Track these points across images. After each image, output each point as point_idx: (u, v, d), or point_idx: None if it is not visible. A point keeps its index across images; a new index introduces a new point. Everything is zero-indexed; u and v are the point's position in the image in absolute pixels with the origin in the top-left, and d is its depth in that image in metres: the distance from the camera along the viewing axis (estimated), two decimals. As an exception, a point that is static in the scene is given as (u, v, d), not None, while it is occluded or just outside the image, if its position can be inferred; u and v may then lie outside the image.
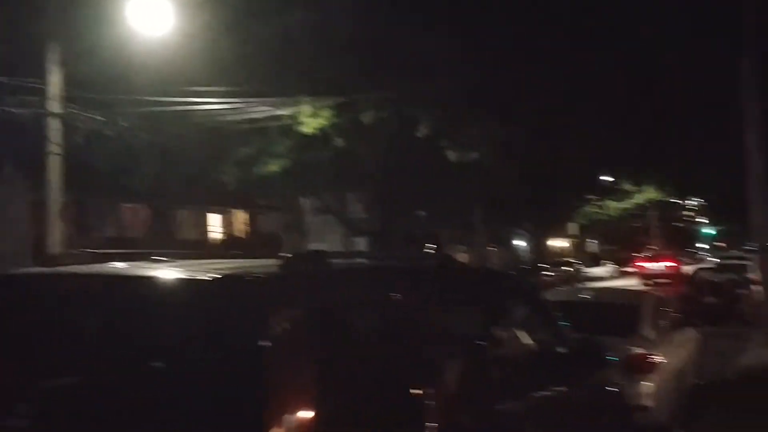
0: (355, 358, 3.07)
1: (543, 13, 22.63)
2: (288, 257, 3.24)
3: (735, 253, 41.48)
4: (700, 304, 18.83)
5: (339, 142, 20.47)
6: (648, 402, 6.76)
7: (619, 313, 7.74)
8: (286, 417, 2.60)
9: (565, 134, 32.15)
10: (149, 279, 3.18)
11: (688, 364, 8.62)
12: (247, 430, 2.60)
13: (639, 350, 6.95)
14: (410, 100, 19.68)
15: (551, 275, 42.80)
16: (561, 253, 58.26)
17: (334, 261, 3.49)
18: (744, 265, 21.55)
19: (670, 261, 34.81)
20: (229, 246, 32.47)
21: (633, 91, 43.70)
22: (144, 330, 2.86)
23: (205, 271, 3.08)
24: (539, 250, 51.55)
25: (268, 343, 2.64)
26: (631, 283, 43.61)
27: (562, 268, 46.56)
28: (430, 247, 42.52)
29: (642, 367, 6.85)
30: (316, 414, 2.68)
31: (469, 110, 20.85)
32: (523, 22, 21.83)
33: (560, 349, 4.57)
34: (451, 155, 21.50)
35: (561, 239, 60.44)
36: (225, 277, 2.99)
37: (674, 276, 32.08)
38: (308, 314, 2.90)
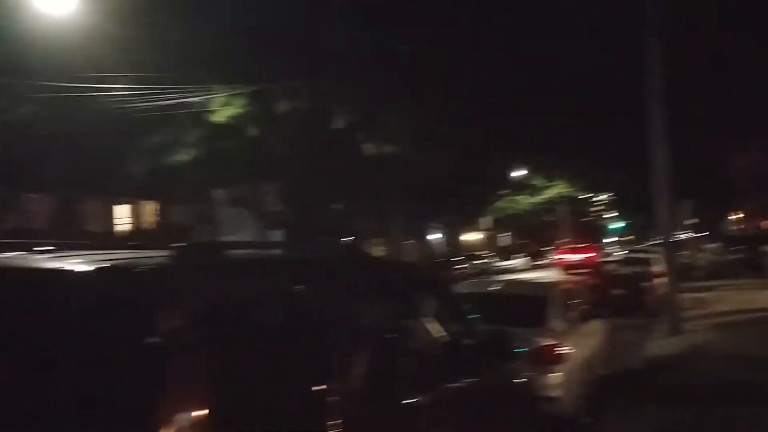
0: (253, 354, 2.88)
1: (456, 8, 22.78)
2: (181, 247, 3.01)
3: (641, 246, 43.17)
4: (608, 295, 19.38)
5: (252, 131, 20.07)
6: (556, 393, 6.81)
7: (528, 304, 7.79)
8: (178, 416, 2.42)
9: (480, 129, 32.62)
10: (18, 270, 2.89)
11: (595, 355, 8.77)
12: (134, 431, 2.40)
13: (547, 341, 7.00)
14: (325, 91, 19.47)
15: (465, 268, 43.50)
16: (475, 246, 59.26)
17: (232, 251, 3.28)
18: (649, 259, 22.31)
19: (590, 253, 35.90)
20: (133, 237, 31.36)
21: (544, 88, 44.78)
22: (12, 325, 2.60)
23: (89, 261, 2.82)
24: (454, 244, 52.23)
25: (155, 339, 2.44)
26: (543, 275, 44.69)
27: (476, 261, 47.39)
28: (345, 240, 42.55)
29: (550, 358, 6.90)
30: (209, 412, 2.50)
31: (386, 104, 20.82)
32: (438, 17, 21.92)
33: (468, 341, 4.49)
34: (368, 148, 21.45)
35: (475, 233, 61.45)
36: (108, 268, 2.73)
37: (593, 267, 32.95)
38: (201, 307, 2.69)
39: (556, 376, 6.86)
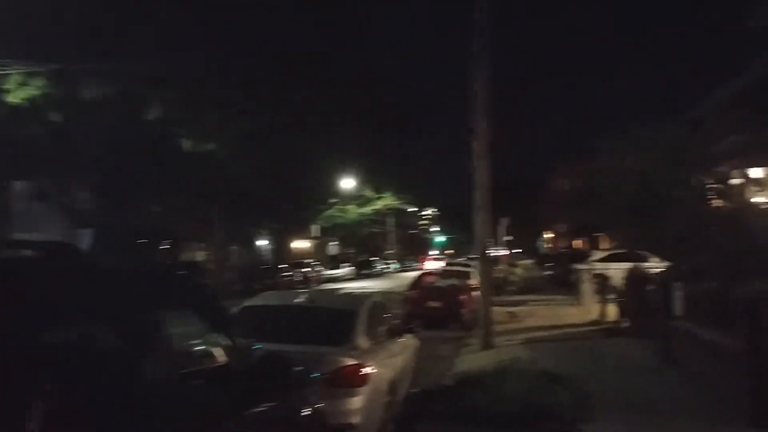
0: None
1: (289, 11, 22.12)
2: None
3: (460, 260, 44.41)
4: (425, 308, 19.33)
5: (54, 117, 18.08)
6: (355, 419, 6.17)
7: (334, 319, 7.12)
8: None
9: (310, 136, 32.12)
10: None
11: (404, 373, 8.28)
12: None
13: (350, 361, 6.34)
14: (139, 78, 17.88)
15: (291, 275, 42.64)
16: (303, 254, 58.60)
17: None
18: (466, 272, 22.57)
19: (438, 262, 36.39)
20: None
21: (375, 102, 45.28)
22: None
23: None
24: (281, 251, 51.14)
25: None
26: (366, 285, 44.90)
27: (303, 269, 46.68)
28: (163, 244, 40.28)
29: (351, 381, 6.24)
30: None
31: (206, 97, 19.60)
32: (273, 17, 21.14)
33: (239, 368, 3.68)
34: (185, 144, 20.06)
35: (303, 240, 60.79)
36: None
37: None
38: None
39: (356, 400, 6.22)
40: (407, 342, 8.84)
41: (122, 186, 26.39)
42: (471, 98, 14.52)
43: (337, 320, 7.04)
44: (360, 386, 6.28)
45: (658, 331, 12.40)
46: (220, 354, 3.89)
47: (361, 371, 6.33)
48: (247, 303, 7.64)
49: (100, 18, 17.00)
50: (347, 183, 49.63)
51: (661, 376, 10.63)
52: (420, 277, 22.14)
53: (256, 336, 6.65)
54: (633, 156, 11.94)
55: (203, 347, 4.04)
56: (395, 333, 8.32)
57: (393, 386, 7.25)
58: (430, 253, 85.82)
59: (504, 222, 42.28)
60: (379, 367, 6.82)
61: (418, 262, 75.66)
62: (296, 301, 7.54)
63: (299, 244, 59.80)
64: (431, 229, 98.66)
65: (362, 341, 6.85)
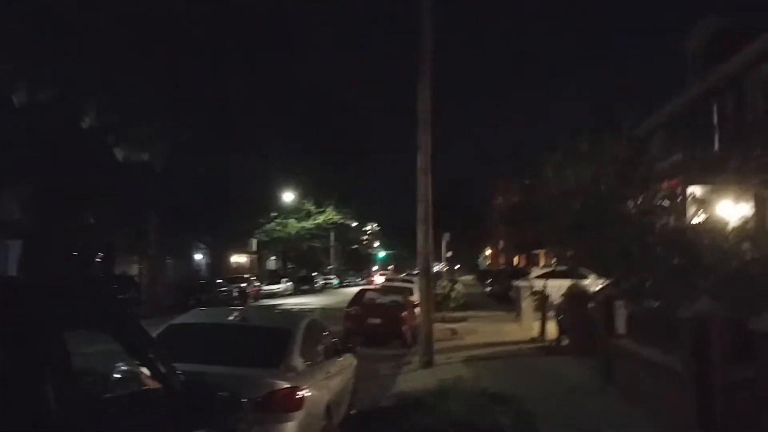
0: None
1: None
2: None
3: (401, 276, 44.23)
4: (365, 325, 18.95)
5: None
6: (288, 447, 5.75)
7: (267, 339, 6.67)
8: None
9: (249, 148, 31.51)
10: None
11: (343, 395, 7.89)
12: None
13: (283, 384, 5.92)
14: (72, 82, 17.06)
15: (227, 290, 41.66)
16: (241, 268, 57.55)
17: None
18: (409, 288, 22.32)
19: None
20: None
21: (320, 116, 44.97)
22: None
23: None
24: (218, 265, 50.02)
25: None
26: (306, 301, 44.27)
27: (240, 284, 45.75)
28: (96, 256, 38.91)
29: (285, 405, 5.82)
30: None
31: (141, 105, 18.87)
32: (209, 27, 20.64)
33: (158, 394, 3.27)
34: (119, 153, 19.23)
35: (242, 254, 59.73)
36: None
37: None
38: None
39: (289, 426, 5.80)
40: (346, 362, 8.46)
41: (53, 195, 25.33)
42: (414, 112, 14.32)
43: (271, 340, 6.60)
44: (294, 411, 5.87)
45: (599, 349, 12.31)
46: (137, 379, 3.49)
47: (295, 395, 5.91)
48: (174, 321, 7.13)
49: (32, 18, 16.17)
50: (288, 196, 48.94)
51: (603, 395, 10.50)
52: (360, 293, 21.73)
53: (182, 357, 6.20)
54: (579, 169, 11.87)
55: (121, 371, 3.63)
56: (333, 352, 7.92)
57: (330, 410, 6.84)
58: (375, 268, 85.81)
59: (446, 237, 42.21)
60: (315, 390, 6.42)
61: (362, 278, 75.32)
62: (227, 319, 7.04)
63: (237, 258, 58.73)
64: (372, 244, 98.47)
65: (297, 362, 6.42)
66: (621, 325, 11.56)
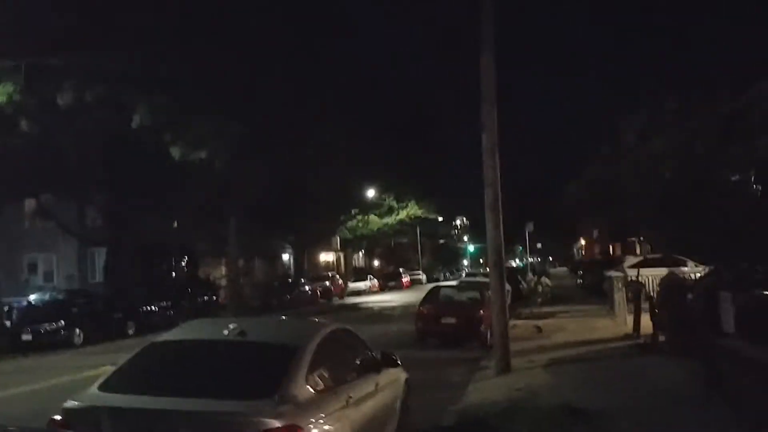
0: None
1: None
2: None
3: (481, 271, 42.29)
4: (439, 324, 17.55)
5: (29, 126, 16.47)
6: None
7: (266, 359, 5.32)
8: None
9: (324, 144, 30.67)
10: None
11: (376, 421, 6.39)
12: None
13: (276, 423, 4.55)
14: (121, 79, 16.19)
15: (312, 289, 41.14)
16: (329, 266, 57.13)
17: None
18: (487, 284, 20.73)
19: None
20: None
21: (398, 108, 43.92)
22: None
23: None
24: (304, 263, 49.53)
25: None
26: (388, 298, 43.08)
27: (324, 282, 45.24)
28: (181, 260, 38.89)
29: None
30: None
31: (199, 101, 17.99)
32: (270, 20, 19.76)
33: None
34: (175, 152, 18.36)
35: (329, 252, 59.26)
36: None
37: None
38: None
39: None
40: (386, 378, 6.95)
41: (127, 202, 25.05)
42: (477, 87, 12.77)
43: (270, 361, 5.26)
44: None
45: (700, 349, 10.48)
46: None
47: (293, 435, 4.54)
48: (158, 339, 5.90)
49: (75, 16, 15.54)
50: (368, 192, 48.03)
51: (706, 407, 8.70)
52: (433, 290, 20.26)
53: (150, 388, 4.95)
54: (670, 132, 10.08)
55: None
56: (365, 369, 6.51)
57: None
58: (465, 263, 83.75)
59: (529, 227, 40.12)
60: (328, 425, 5.04)
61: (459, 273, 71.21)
62: (222, 333, 5.68)
63: (325, 257, 58.25)
64: (463, 239, 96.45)
65: (300, 390, 5.00)
66: (728, 321, 9.74)
